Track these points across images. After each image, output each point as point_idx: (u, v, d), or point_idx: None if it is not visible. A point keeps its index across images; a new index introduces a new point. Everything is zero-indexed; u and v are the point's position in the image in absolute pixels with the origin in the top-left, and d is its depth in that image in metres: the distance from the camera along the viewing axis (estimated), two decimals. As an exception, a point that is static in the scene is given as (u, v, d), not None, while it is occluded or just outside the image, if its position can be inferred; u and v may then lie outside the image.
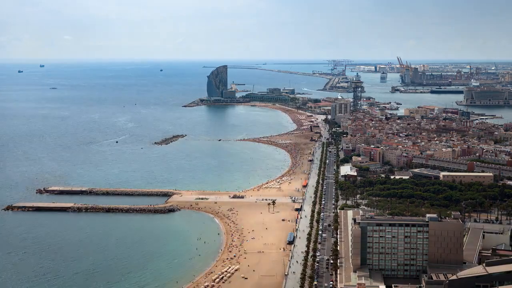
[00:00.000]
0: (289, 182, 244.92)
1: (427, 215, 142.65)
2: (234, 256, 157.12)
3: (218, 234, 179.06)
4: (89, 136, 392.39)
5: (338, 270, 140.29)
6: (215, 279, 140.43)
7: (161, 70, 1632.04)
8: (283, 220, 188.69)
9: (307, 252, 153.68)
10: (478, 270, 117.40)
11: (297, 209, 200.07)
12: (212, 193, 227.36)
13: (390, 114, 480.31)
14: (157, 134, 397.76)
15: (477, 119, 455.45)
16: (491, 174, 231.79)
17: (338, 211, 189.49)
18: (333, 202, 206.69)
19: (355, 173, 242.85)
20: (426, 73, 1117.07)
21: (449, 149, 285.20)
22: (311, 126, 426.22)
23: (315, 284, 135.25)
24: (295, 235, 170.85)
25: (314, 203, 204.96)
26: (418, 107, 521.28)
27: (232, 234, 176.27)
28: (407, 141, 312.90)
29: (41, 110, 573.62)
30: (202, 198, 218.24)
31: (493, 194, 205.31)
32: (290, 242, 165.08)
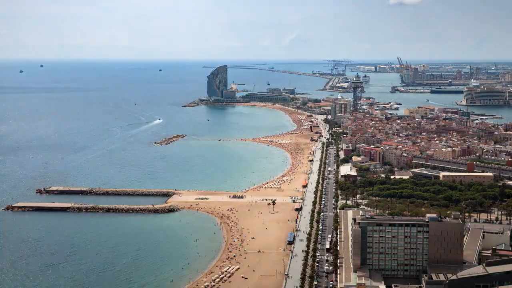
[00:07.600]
0: (289, 182, 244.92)
1: (427, 215, 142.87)
2: (234, 256, 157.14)
3: (218, 234, 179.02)
4: (89, 136, 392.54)
5: (338, 270, 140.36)
6: (215, 279, 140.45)
7: (160, 70, 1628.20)
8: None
9: (307, 252, 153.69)
10: (478, 270, 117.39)
11: (297, 209, 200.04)
12: (212, 193, 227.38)
13: (390, 114, 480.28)
14: (157, 134, 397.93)
15: (477, 119, 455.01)
16: (491, 174, 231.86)
17: (338, 211, 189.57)
18: (333, 202, 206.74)
19: (355, 173, 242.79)
20: (426, 73, 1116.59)
21: (449, 149, 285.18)
22: (311, 126, 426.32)
23: (315, 284, 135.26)
24: (295, 235, 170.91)
25: (314, 203, 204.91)
26: (418, 107, 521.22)
27: (232, 234, 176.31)
28: (407, 141, 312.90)
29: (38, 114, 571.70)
30: (202, 198, 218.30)
31: (493, 194, 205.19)
32: (290, 242, 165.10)
